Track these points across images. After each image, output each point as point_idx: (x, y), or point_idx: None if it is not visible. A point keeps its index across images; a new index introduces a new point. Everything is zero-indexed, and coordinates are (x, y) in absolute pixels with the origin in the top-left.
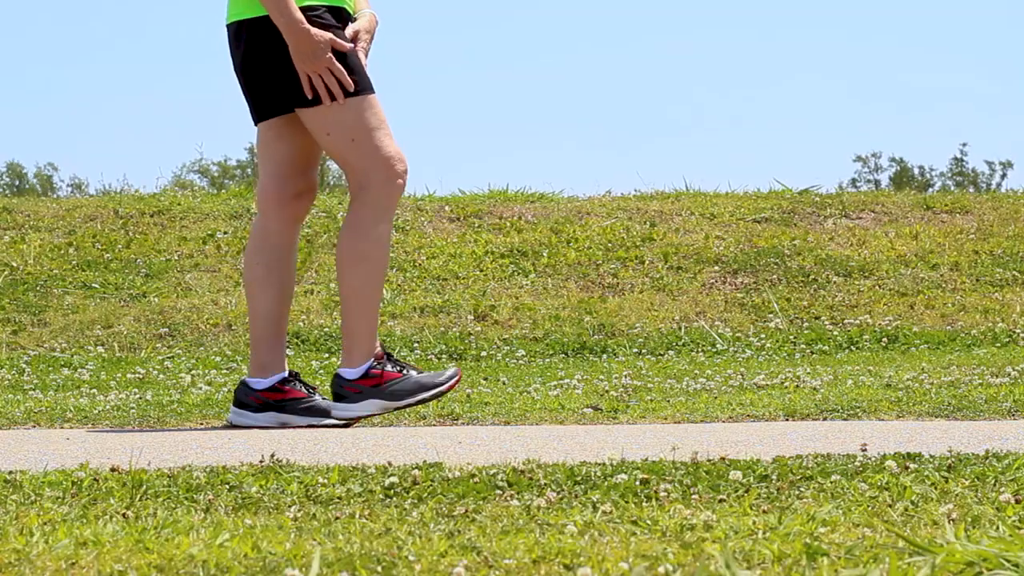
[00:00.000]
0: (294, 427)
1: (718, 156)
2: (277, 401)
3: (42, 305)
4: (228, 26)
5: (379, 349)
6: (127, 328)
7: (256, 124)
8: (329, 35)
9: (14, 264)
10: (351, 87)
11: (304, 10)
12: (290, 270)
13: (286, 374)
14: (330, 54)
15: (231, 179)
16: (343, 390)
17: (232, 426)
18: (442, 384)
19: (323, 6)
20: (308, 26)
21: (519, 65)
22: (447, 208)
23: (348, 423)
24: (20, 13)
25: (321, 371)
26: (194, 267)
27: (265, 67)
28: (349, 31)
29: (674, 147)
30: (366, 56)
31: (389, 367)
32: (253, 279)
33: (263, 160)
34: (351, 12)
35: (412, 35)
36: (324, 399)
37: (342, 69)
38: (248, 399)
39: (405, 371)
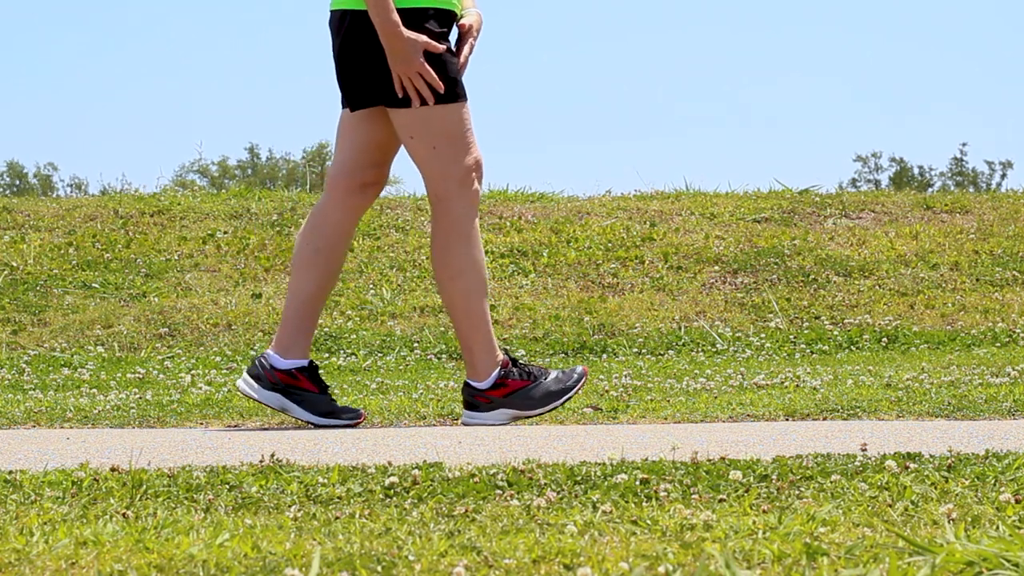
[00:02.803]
0: (291, 417)
1: (718, 156)
2: (288, 386)
3: (42, 305)
4: (332, 11)
5: (503, 356)
6: (127, 328)
7: (344, 108)
8: (424, 38)
9: (14, 264)
10: (441, 90)
11: (412, 12)
12: (339, 258)
13: (306, 363)
14: (422, 58)
15: (231, 179)
16: (474, 399)
17: (242, 394)
18: (570, 389)
19: (432, 8)
20: (403, 28)
21: (519, 65)
22: None
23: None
24: (20, 13)
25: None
26: (194, 267)
27: (362, 60)
28: (454, 34)
29: (674, 147)
30: (470, 52)
31: (515, 374)
32: (300, 258)
33: (341, 145)
34: (459, 13)
35: None
36: (333, 401)
37: (433, 74)
38: (263, 374)
39: (532, 376)
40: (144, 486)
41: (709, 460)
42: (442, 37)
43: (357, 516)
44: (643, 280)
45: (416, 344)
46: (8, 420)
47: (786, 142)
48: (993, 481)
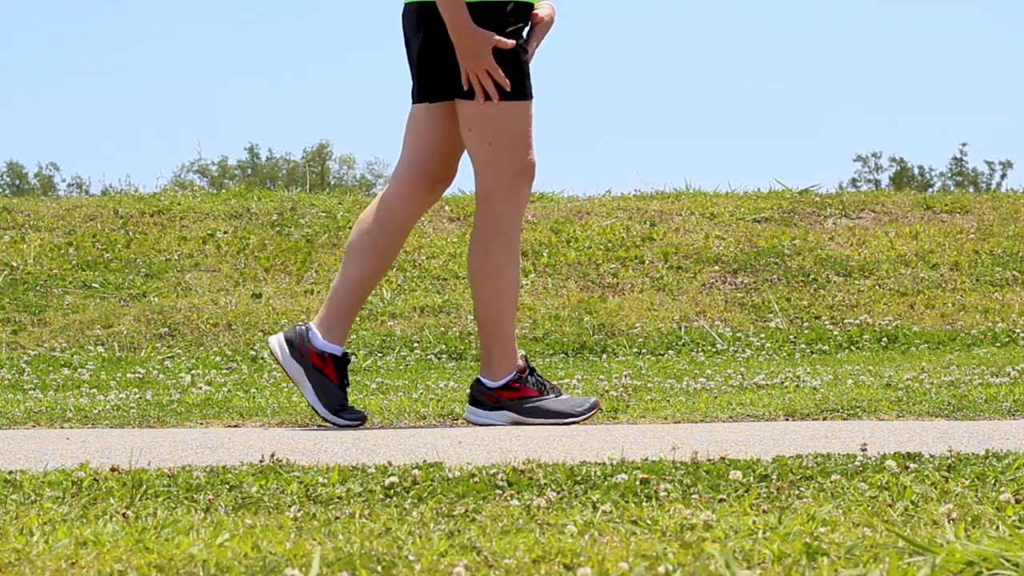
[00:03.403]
0: (306, 399)
1: (718, 156)
2: (315, 367)
3: (42, 305)
4: (408, 4)
5: (523, 363)
6: (127, 328)
7: (415, 103)
8: (493, 34)
9: (14, 264)
10: (507, 87)
11: (491, 6)
12: (395, 250)
13: (340, 353)
14: (491, 55)
15: (231, 179)
16: (480, 396)
17: (275, 360)
18: (578, 415)
19: (511, 1)
20: (471, 24)
21: None
22: (447, 208)
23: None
24: (20, 13)
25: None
26: (194, 267)
27: (437, 52)
28: (526, 29)
29: (674, 147)
30: (538, 45)
31: (531, 382)
32: (358, 248)
33: (412, 141)
34: (535, 3)
35: None
36: (345, 398)
37: (500, 71)
38: (297, 343)
39: (546, 389)
40: (144, 486)
41: (709, 460)
42: (517, 33)
43: (357, 516)
44: (643, 280)
45: (416, 344)
46: (8, 420)
47: (786, 142)
48: (993, 481)
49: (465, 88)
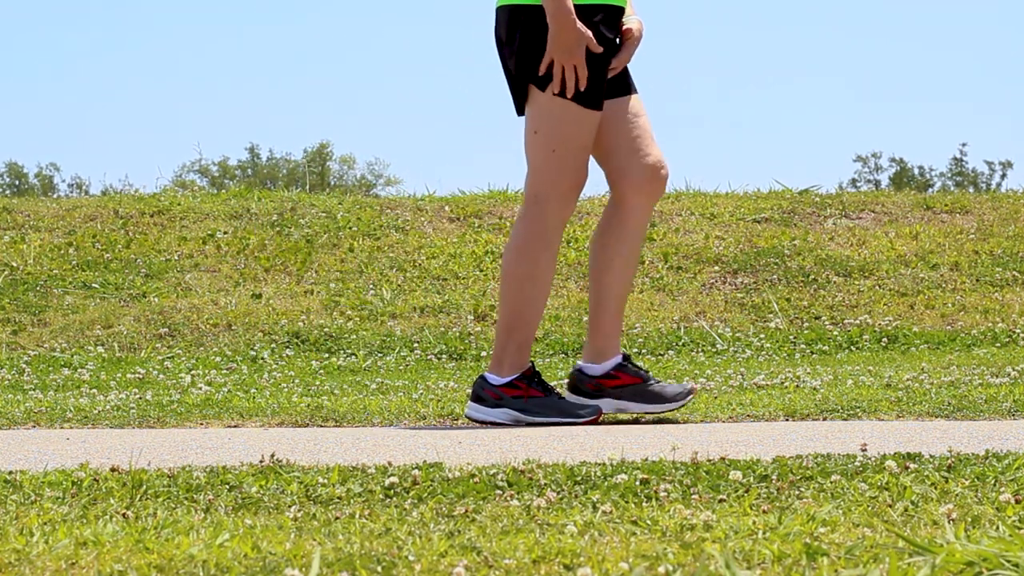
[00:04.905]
0: (631, 413)
1: (718, 156)
2: (613, 388)
3: (42, 305)
4: (500, 7)
5: (530, 366)
6: (127, 328)
7: (520, 114)
8: (590, 35)
9: (14, 264)
10: (583, 85)
11: (585, 8)
12: (638, 251)
13: (620, 358)
14: (583, 53)
15: (231, 179)
16: (483, 392)
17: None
18: (579, 417)
19: (609, 6)
20: (575, 18)
21: None
22: (447, 208)
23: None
24: (20, 13)
25: (321, 371)
26: (194, 267)
27: (536, 55)
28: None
29: (674, 147)
30: (628, 58)
31: (536, 384)
32: (602, 264)
33: (601, 152)
34: (626, 13)
35: (413, 33)
36: (658, 381)
37: (584, 71)
38: (584, 386)
39: (548, 391)
40: (144, 486)
41: (709, 460)
42: (607, 42)
43: (357, 516)
44: (643, 280)
45: (416, 344)
46: (8, 420)
47: (786, 142)
48: (993, 481)
49: (542, 71)
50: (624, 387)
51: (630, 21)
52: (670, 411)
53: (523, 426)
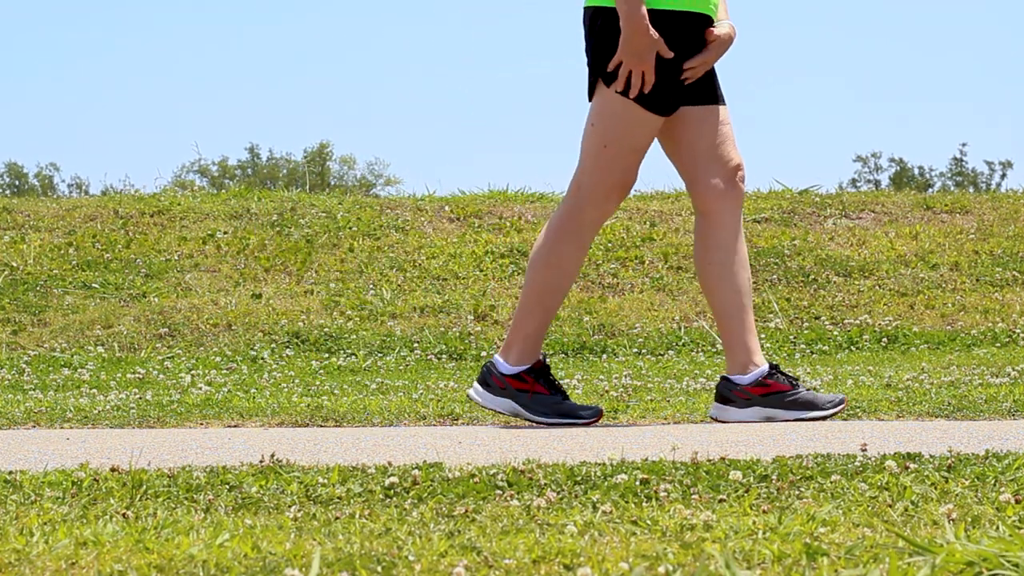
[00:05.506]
0: (780, 420)
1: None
2: (763, 396)
3: (42, 305)
4: (585, 7)
5: (540, 359)
6: (127, 328)
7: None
8: (661, 41)
9: (14, 264)
10: (648, 88)
11: (660, 14)
12: (743, 256)
13: (767, 368)
14: (653, 60)
15: (231, 179)
16: (490, 378)
17: (715, 420)
18: (578, 418)
19: (694, 13)
20: (647, 24)
21: (520, 64)
22: (447, 208)
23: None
24: (20, 13)
25: (321, 371)
26: (194, 267)
27: (608, 56)
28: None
29: None
30: (714, 61)
31: (541, 381)
32: (710, 277)
33: (683, 160)
34: (714, 19)
35: (413, 33)
36: (808, 391)
37: (652, 79)
38: (732, 395)
39: (554, 390)
40: (144, 486)
41: (709, 460)
42: (684, 48)
43: (357, 516)
44: (643, 280)
45: (416, 344)
46: (8, 420)
47: (786, 142)
48: (993, 481)
49: (610, 68)
50: (774, 395)
51: (720, 26)
52: (822, 418)
53: (522, 420)
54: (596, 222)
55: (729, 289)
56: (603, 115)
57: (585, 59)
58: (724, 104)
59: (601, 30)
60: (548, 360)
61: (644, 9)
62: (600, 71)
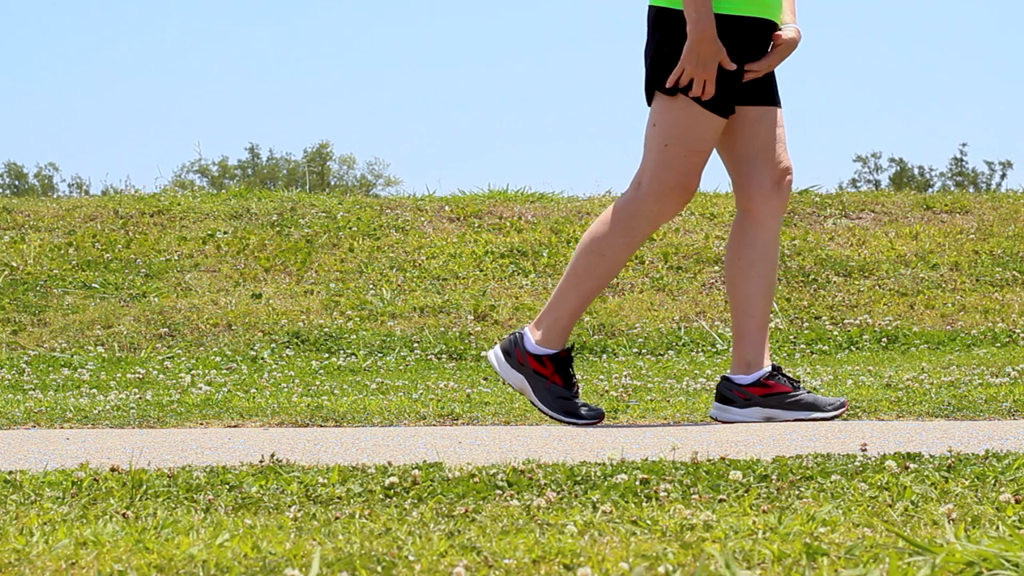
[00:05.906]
0: (780, 421)
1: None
2: (763, 396)
3: (42, 305)
4: (650, 6)
5: (565, 350)
6: (127, 328)
7: (650, 104)
8: (724, 50)
9: (14, 264)
10: (708, 96)
11: (726, 19)
12: (775, 263)
13: (769, 369)
14: (716, 68)
15: (231, 179)
16: (512, 348)
17: (715, 420)
18: (580, 417)
19: (757, 19)
20: (714, 32)
21: (520, 64)
22: (447, 208)
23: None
24: (20, 13)
25: (321, 371)
26: (194, 267)
27: (669, 59)
28: (767, 47)
29: None
30: (777, 64)
31: (559, 372)
32: (737, 273)
33: (733, 160)
34: (779, 24)
35: (413, 33)
36: (809, 393)
37: (714, 85)
38: (732, 394)
39: (569, 384)
40: (144, 486)
41: (709, 460)
42: (746, 52)
43: (357, 516)
44: (643, 280)
45: (416, 344)
46: (8, 420)
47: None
48: (993, 481)
49: (670, 84)
50: (774, 395)
51: (786, 29)
52: (824, 420)
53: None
54: (652, 220)
55: (753, 288)
56: (664, 115)
57: (644, 58)
58: (780, 107)
59: (664, 34)
60: (573, 352)
61: (712, 17)
62: (661, 79)
